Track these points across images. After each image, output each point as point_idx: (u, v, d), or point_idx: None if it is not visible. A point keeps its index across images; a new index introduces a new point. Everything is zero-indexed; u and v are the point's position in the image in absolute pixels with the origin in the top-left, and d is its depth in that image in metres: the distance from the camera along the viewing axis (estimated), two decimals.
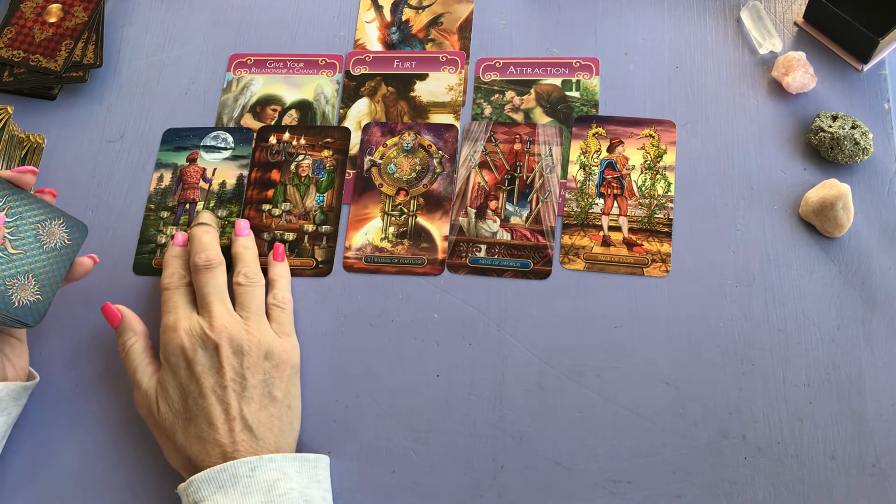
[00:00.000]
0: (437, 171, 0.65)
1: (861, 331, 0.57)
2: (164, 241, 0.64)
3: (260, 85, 0.70)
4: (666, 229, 0.61)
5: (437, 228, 0.63)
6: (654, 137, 0.65)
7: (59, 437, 0.58)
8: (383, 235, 0.63)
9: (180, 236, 0.61)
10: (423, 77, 0.70)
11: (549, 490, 0.54)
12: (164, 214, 0.65)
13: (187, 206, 0.66)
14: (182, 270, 0.59)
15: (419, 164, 0.66)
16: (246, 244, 0.60)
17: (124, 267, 0.63)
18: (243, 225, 0.61)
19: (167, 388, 0.53)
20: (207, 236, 0.59)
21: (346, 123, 0.68)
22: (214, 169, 0.67)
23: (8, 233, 0.53)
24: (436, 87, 0.69)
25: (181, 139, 0.68)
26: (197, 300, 0.57)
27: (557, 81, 0.68)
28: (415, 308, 0.60)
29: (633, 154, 0.64)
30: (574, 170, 0.64)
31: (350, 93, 0.70)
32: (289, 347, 0.56)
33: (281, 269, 0.61)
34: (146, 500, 0.55)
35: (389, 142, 0.67)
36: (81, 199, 0.66)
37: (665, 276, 0.60)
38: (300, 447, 0.56)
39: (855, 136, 0.61)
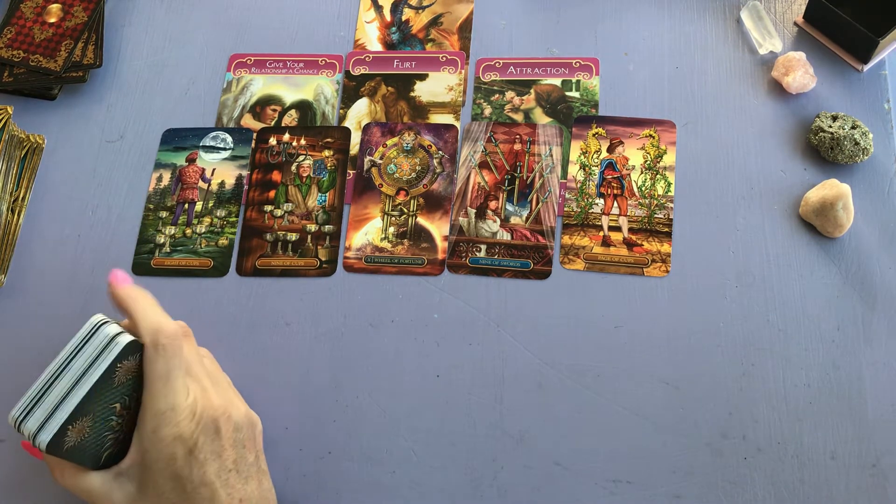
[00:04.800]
0: (437, 171, 0.65)
1: (861, 331, 0.57)
2: (162, 240, 0.64)
3: (260, 85, 0.70)
4: (666, 229, 0.61)
5: (437, 228, 0.63)
6: (654, 137, 0.65)
7: None
8: (383, 235, 0.63)
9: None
10: (423, 77, 0.70)
11: (549, 490, 0.54)
12: (163, 214, 0.65)
13: (186, 206, 0.66)
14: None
15: (419, 165, 0.66)
16: (138, 293, 0.51)
17: (123, 267, 0.63)
18: (121, 275, 0.52)
19: (156, 483, 0.47)
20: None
21: (346, 123, 0.68)
22: (213, 169, 0.67)
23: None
24: (436, 87, 0.69)
25: (180, 139, 0.68)
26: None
27: (557, 81, 0.68)
28: (415, 308, 0.60)
29: (633, 154, 0.64)
30: (574, 170, 0.64)
31: (350, 93, 0.70)
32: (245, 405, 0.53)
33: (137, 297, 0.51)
34: None
35: (389, 142, 0.67)
36: (81, 199, 0.66)
37: (665, 276, 0.60)
38: (300, 445, 0.56)
39: (855, 136, 0.61)
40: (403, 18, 0.73)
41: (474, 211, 0.63)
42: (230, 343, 0.60)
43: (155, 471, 0.47)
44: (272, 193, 0.66)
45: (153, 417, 0.47)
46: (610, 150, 0.65)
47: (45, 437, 0.46)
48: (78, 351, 0.48)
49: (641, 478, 0.54)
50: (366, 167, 0.66)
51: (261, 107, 0.70)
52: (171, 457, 0.47)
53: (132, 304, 0.50)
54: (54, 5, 0.73)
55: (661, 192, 0.63)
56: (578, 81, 0.68)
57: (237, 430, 0.50)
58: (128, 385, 0.49)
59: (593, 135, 0.65)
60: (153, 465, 0.47)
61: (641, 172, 0.64)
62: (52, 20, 0.72)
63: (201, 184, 0.67)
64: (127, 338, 0.48)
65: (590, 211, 0.63)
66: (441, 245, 0.62)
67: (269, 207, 0.65)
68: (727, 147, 0.64)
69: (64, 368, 0.47)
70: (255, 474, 0.50)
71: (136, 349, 0.48)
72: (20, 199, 0.66)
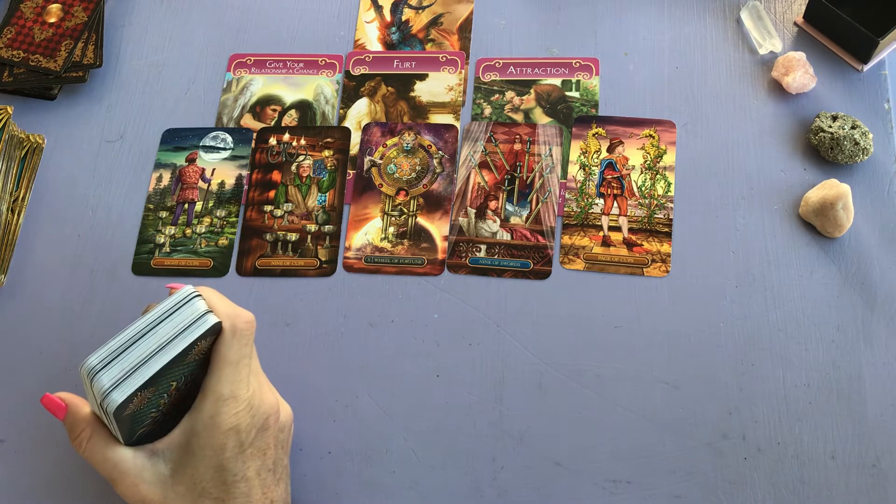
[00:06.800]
0: (437, 171, 0.65)
1: (861, 331, 0.57)
2: (162, 240, 0.64)
3: (260, 85, 0.70)
4: (666, 229, 0.61)
5: (437, 228, 0.63)
6: (654, 137, 0.65)
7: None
8: (383, 235, 0.63)
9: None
10: (422, 77, 0.70)
11: (549, 490, 0.54)
12: (163, 214, 0.65)
13: (186, 206, 0.66)
14: None
15: (419, 165, 0.66)
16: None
17: (123, 267, 0.63)
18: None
19: (196, 469, 0.46)
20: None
21: (346, 123, 0.68)
22: (213, 169, 0.67)
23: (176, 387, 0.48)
24: (436, 87, 0.69)
25: (180, 139, 0.68)
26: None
27: (557, 81, 0.68)
28: (415, 308, 0.60)
29: (633, 154, 0.64)
30: (574, 170, 0.64)
31: (350, 93, 0.70)
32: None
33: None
34: None
35: (389, 142, 0.67)
36: (81, 199, 0.66)
37: (665, 276, 0.60)
38: (300, 445, 0.56)
39: (855, 136, 0.61)
40: (403, 18, 0.73)
41: (474, 211, 0.63)
42: None
43: (199, 457, 0.46)
44: (272, 193, 0.66)
45: (214, 402, 0.46)
46: (610, 150, 0.65)
47: (117, 398, 0.43)
48: (167, 316, 0.46)
49: (641, 478, 0.54)
50: (366, 167, 0.66)
51: (261, 107, 0.70)
52: (222, 447, 0.46)
53: (205, 293, 0.49)
54: (54, 5, 0.73)
55: (661, 192, 0.63)
56: (578, 81, 0.68)
57: (280, 431, 0.50)
58: (191, 366, 0.48)
59: (593, 135, 0.65)
60: (199, 452, 0.46)
61: (641, 172, 0.64)
62: (52, 20, 0.72)
63: (201, 184, 0.67)
64: (214, 318, 0.47)
65: (590, 211, 0.63)
66: (441, 245, 0.62)
67: (269, 207, 0.65)
68: (727, 147, 0.64)
69: (150, 330, 0.46)
70: (284, 477, 0.50)
71: (214, 332, 0.47)
72: (20, 199, 0.66)
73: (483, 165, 0.65)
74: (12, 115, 0.65)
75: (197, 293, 0.48)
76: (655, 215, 0.62)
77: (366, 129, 0.68)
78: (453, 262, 0.62)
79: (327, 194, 0.65)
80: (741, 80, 0.66)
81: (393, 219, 0.64)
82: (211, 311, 0.47)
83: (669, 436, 0.55)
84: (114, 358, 0.45)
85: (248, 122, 0.69)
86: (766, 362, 0.56)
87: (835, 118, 0.62)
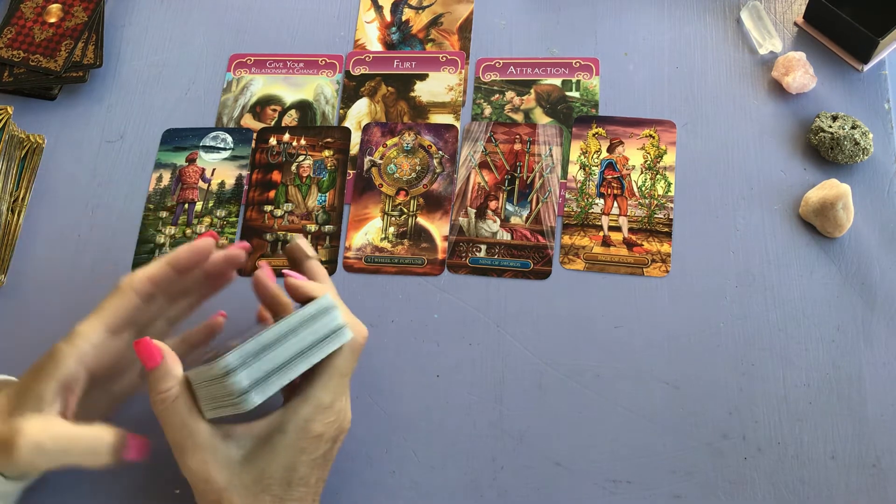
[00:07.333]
0: (437, 171, 0.65)
1: (861, 331, 0.57)
2: (162, 240, 0.64)
3: (260, 85, 0.70)
4: (666, 229, 0.61)
5: (437, 228, 0.63)
6: (654, 137, 0.65)
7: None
8: (383, 235, 0.63)
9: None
10: (423, 77, 0.70)
11: (549, 490, 0.54)
12: (163, 214, 0.65)
13: (186, 206, 0.66)
14: None
15: (419, 165, 0.66)
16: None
17: (123, 267, 0.63)
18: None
19: (269, 464, 0.46)
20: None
21: (346, 123, 0.68)
22: (213, 169, 0.67)
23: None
24: (436, 87, 0.69)
25: (180, 139, 0.68)
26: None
27: (557, 81, 0.68)
28: (415, 308, 0.60)
29: (633, 154, 0.64)
30: (574, 170, 0.64)
31: (350, 93, 0.70)
32: None
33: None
34: None
35: (389, 142, 0.67)
36: (81, 199, 0.66)
37: (665, 276, 0.60)
38: None
39: (855, 136, 0.61)
40: (403, 18, 0.73)
41: (474, 211, 0.63)
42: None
43: (278, 453, 0.46)
44: (272, 193, 0.66)
45: (314, 408, 0.47)
46: (610, 150, 0.65)
47: (256, 399, 0.44)
48: (308, 324, 0.46)
49: (641, 478, 0.54)
50: (366, 167, 0.66)
51: (261, 107, 0.70)
52: (302, 450, 0.46)
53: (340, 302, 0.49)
54: (54, 5, 0.73)
55: (661, 192, 0.63)
56: (578, 81, 0.68)
57: (339, 447, 0.50)
58: None
59: (593, 135, 0.65)
60: (280, 449, 0.46)
61: (641, 172, 0.64)
62: (52, 20, 0.72)
63: (201, 184, 0.67)
64: (349, 333, 0.48)
65: (590, 211, 0.63)
66: (441, 245, 0.62)
67: (269, 207, 0.65)
68: (727, 147, 0.64)
69: (292, 336, 0.46)
70: (321, 489, 0.50)
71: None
72: (20, 199, 0.66)
73: (483, 165, 0.65)
74: (12, 115, 0.65)
75: (334, 305, 0.48)
76: (655, 215, 0.62)
77: (366, 129, 0.68)
78: (453, 262, 0.62)
79: (327, 194, 0.65)
80: (741, 80, 0.66)
81: (393, 219, 0.64)
82: (346, 326, 0.48)
83: (669, 436, 0.55)
84: (253, 358, 0.44)
85: (249, 122, 0.69)
86: (766, 362, 0.56)
87: (835, 118, 0.62)
